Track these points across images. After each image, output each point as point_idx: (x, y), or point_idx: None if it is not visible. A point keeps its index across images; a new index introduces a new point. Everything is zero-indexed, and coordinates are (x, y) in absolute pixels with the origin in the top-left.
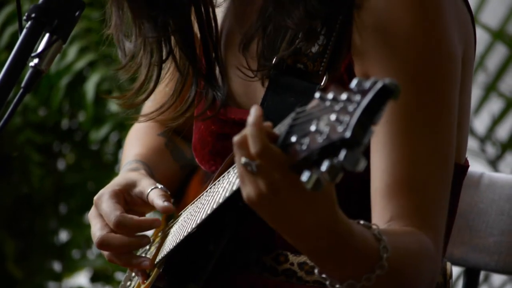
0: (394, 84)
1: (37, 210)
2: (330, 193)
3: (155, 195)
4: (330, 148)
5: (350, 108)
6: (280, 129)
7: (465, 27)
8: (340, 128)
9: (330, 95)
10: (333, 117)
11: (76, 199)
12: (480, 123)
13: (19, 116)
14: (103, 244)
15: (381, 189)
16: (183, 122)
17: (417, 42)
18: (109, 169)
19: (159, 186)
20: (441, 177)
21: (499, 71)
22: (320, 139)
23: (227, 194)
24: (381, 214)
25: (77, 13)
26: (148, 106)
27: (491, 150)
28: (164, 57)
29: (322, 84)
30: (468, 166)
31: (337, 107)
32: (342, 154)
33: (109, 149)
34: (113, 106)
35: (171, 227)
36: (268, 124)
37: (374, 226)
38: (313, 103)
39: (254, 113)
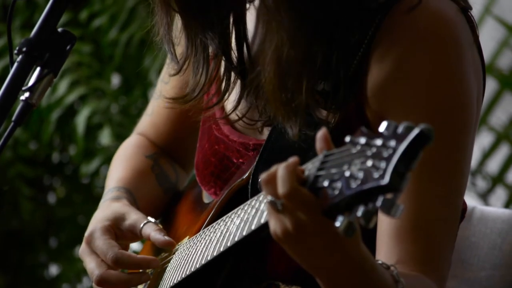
0: (430, 130)
1: (27, 244)
2: (357, 232)
3: (151, 229)
4: (364, 194)
5: (385, 154)
6: (308, 171)
7: (479, 74)
8: (376, 174)
9: (361, 140)
10: (368, 162)
11: (67, 233)
12: None
13: (10, 150)
14: (102, 281)
15: (389, 231)
16: (183, 144)
17: (437, 90)
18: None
19: (151, 219)
20: (450, 225)
21: (489, 105)
22: (354, 185)
23: (244, 233)
24: (387, 256)
25: (68, 47)
26: (145, 120)
27: (481, 183)
28: (217, 52)
29: (332, 121)
30: (466, 208)
31: (369, 152)
32: (380, 200)
33: (100, 182)
34: (104, 139)
35: (168, 261)
36: (300, 168)
37: (392, 268)
38: (342, 147)
39: (291, 158)
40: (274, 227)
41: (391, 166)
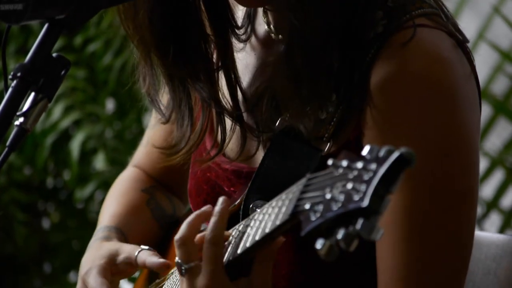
0: (410, 154)
1: (21, 269)
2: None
3: (146, 255)
4: (345, 216)
5: (366, 176)
6: (289, 195)
7: (476, 104)
8: (356, 197)
9: (343, 163)
10: (348, 185)
11: (61, 259)
12: None
13: (4, 175)
14: None
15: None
16: (178, 174)
17: (432, 132)
18: (94, 228)
19: (144, 247)
20: (456, 278)
21: (484, 130)
22: (335, 207)
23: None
24: None
25: (62, 72)
26: (141, 151)
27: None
28: (208, 103)
29: (325, 150)
30: None
31: (351, 175)
32: (359, 223)
33: (94, 207)
34: (98, 164)
35: (161, 287)
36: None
37: None
38: (325, 170)
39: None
40: None
41: (371, 189)
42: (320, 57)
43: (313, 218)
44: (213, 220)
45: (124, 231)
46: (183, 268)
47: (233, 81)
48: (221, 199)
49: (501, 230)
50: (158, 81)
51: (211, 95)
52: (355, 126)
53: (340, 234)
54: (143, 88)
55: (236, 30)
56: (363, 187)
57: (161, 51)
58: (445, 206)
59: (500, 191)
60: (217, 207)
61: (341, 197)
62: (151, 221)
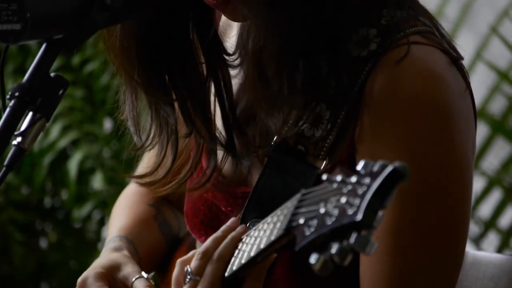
0: (404, 168)
1: None
2: None
3: (141, 285)
4: (339, 231)
5: (360, 191)
6: (284, 210)
7: (471, 121)
8: (350, 211)
9: (338, 177)
10: (342, 199)
11: (58, 278)
12: None
13: (1, 195)
14: None
15: None
16: (182, 191)
17: (425, 143)
18: (92, 247)
19: (144, 275)
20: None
21: (481, 149)
22: (329, 222)
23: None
24: None
25: (60, 92)
26: (144, 167)
27: (474, 228)
28: (187, 133)
29: (321, 168)
30: None
31: (345, 189)
32: (353, 237)
33: (92, 227)
34: (96, 183)
35: None
36: None
37: None
38: (320, 185)
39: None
40: None
41: (364, 203)
42: (285, 63)
43: (307, 233)
44: (225, 241)
45: (134, 242)
46: (189, 277)
47: (227, 112)
48: (231, 220)
49: (499, 250)
50: (138, 107)
51: (203, 129)
52: (349, 143)
53: (334, 249)
54: (123, 113)
55: (228, 57)
56: (357, 201)
57: (144, 78)
58: (434, 223)
59: (498, 211)
60: (225, 226)
61: (335, 212)
62: (158, 235)
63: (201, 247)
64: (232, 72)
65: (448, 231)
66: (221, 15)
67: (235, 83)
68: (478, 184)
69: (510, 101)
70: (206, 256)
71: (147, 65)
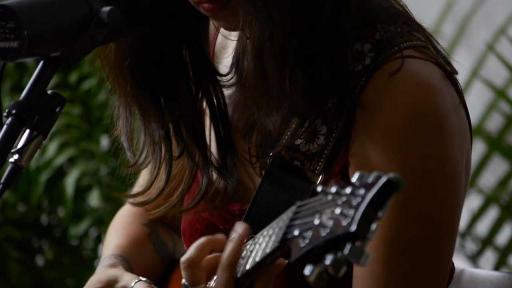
0: (398, 179)
1: None
2: None
3: (142, 287)
4: (333, 242)
5: (354, 202)
6: (279, 223)
7: (466, 135)
8: (344, 222)
9: (332, 189)
10: (337, 210)
11: None
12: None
13: None
14: None
15: None
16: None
17: (418, 155)
18: (89, 265)
19: (142, 278)
20: None
21: (478, 167)
22: (323, 233)
23: None
24: None
25: (57, 109)
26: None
27: (471, 246)
28: (178, 155)
29: (317, 183)
30: (454, 269)
31: (340, 201)
32: (347, 248)
33: (89, 244)
34: (93, 201)
35: None
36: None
37: None
38: (315, 197)
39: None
40: None
41: (359, 214)
42: (278, 72)
43: (302, 244)
44: (231, 246)
45: (129, 261)
46: None
47: (221, 134)
48: (239, 225)
49: (496, 267)
50: (132, 123)
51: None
52: (342, 156)
53: (328, 260)
54: (117, 129)
55: (221, 78)
56: (351, 212)
57: (137, 95)
58: (424, 234)
59: (495, 228)
60: (236, 234)
61: (330, 223)
62: (153, 254)
63: (183, 257)
64: (226, 92)
65: (435, 242)
66: (216, 38)
67: (229, 102)
68: (475, 202)
69: (507, 119)
70: (191, 265)
71: (140, 82)
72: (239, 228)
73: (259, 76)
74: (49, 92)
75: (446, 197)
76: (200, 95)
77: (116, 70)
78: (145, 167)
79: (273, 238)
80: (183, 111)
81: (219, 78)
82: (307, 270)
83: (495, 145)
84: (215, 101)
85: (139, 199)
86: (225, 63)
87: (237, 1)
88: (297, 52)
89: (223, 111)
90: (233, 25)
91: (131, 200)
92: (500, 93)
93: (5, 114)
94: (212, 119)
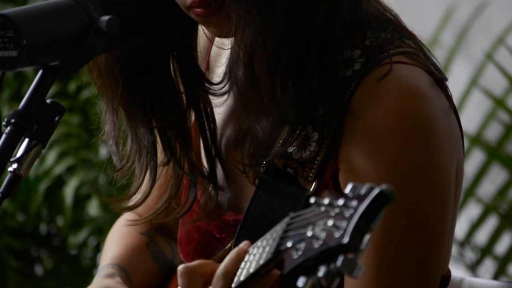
0: (391, 191)
1: None
2: None
3: None
4: (326, 254)
5: (347, 213)
6: (273, 234)
7: (457, 140)
8: (337, 234)
9: (325, 201)
10: (329, 222)
11: None
12: (459, 228)
13: None
14: None
15: None
16: (175, 220)
17: (406, 161)
18: (88, 274)
19: None
20: None
21: (477, 176)
22: (316, 245)
23: None
24: None
25: (56, 118)
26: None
27: (470, 255)
28: (165, 162)
29: (311, 190)
30: (450, 275)
31: (332, 212)
32: (340, 260)
33: (88, 253)
34: (92, 210)
35: None
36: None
37: None
38: (308, 208)
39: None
40: None
41: (351, 225)
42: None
43: (295, 256)
44: (229, 256)
45: (127, 270)
46: None
47: (209, 142)
48: (243, 243)
49: (496, 277)
50: (119, 128)
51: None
52: (333, 162)
53: (321, 272)
54: (104, 134)
55: (212, 87)
56: (343, 223)
57: (125, 100)
58: (413, 241)
59: (494, 238)
60: (237, 248)
61: (323, 235)
62: (151, 263)
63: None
64: (217, 101)
65: (425, 249)
66: (210, 49)
67: (221, 111)
68: (474, 211)
69: (506, 128)
70: (187, 272)
71: (128, 88)
72: (243, 243)
73: (249, 82)
74: (48, 101)
75: (435, 204)
76: (188, 105)
77: (105, 74)
78: (132, 172)
79: (267, 249)
80: (171, 119)
81: (210, 87)
82: (300, 281)
83: (494, 154)
84: (203, 111)
85: (125, 204)
86: (218, 72)
87: (230, 6)
88: (289, 58)
89: (211, 121)
90: (225, 31)
91: (114, 206)
92: (499, 102)
93: (4, 123)
94: (200, 129)
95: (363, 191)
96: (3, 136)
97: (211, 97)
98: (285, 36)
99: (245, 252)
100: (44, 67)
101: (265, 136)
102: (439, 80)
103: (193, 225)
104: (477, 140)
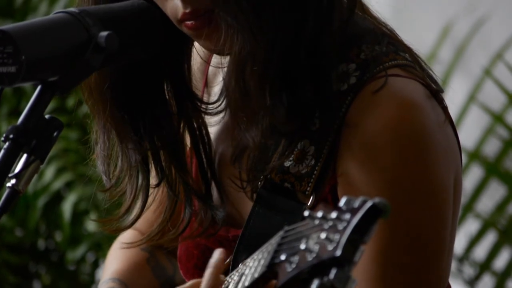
0: (384, 204)
1: None
2: None
3: None
4: (320, 267)
5: (340, 226)
6: (268, 247)
7: (454, 154)
8: (330, 247)
9: (319, 214)
10: (322, 235)
11: None
12: (457, 243)
13: None
14: None
15: None
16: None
17: (403, 172)
18: None
19: None
20: None
21: (475, 191)
22: (310, 258)
23: None
24: None
25: (55, 134)
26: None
27: (468, 270)
28: (155, 184)
29: (308, 204)
30: None
31: (326, 225)
32: (333, 273)
33: (86, 269)
34: (90, 225)
35: None
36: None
37: None
38: (302, 222)
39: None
40: None
41: (344, 238)
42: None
43: (289, 269)
44: (208, 271)
45: (128, 285)
46: None
47: (204, 162)
48: (217, 251)
49: None
50: (110, 148)
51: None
52: (331, 175)
53: (315, 285)
54: (94, 154)
55: (208, 106)
56: (336, 236)
57: (116, 121)
58: (411, 254)
59: (493, 253)
60: (213, 259)
61: (316, 248)
62: (152, 278)
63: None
64: (213, 120)
65: (423, 262)
66: (207, 69)
67: (217, 128)
68: (473, 226)
69: (504, 144)
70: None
71: (119, 106)
72: (216, 254)
73: (240, 92)
74: (46, 116)
75: (432, 216)
76: (181, 125)
77: (96, 93)
78: (121, 193)
79: (262, 262)
80: (164, 140)
81: (205, 107)
82: None
83: (493, 170)
84: (198, 133)
85: (115, 225)
86: (215, 90)
87: (219, 15)
88: (279, 68)
89: (206, 144)
90: (216, 43)
91: (106, 225)
92: (497, 118)
93: (2, 138)
94: (195, 152)
95: (356, 204)
96: (2, 151)
97: (207, 117)
98: (272, 44)
99: (223, 261)
100: (42, 82)
101: (255, 146)
102: (435, 92)
103: (192, 241)
104: (476, 155)
